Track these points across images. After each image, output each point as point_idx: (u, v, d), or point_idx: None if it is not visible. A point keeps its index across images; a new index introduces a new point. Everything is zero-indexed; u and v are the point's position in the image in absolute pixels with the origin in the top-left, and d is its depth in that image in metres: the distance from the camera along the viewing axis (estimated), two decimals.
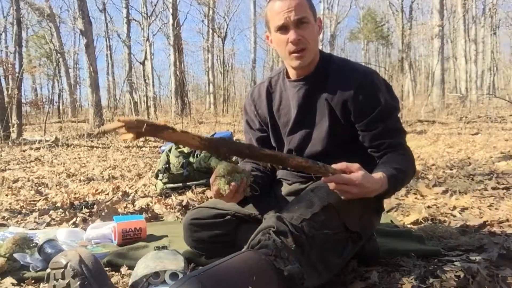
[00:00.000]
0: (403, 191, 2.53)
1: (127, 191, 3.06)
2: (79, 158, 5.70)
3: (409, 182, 1.41)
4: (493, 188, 2.47)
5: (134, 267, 1.34)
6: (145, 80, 17.43)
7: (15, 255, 1.53)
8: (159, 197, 2.81)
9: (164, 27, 18.85)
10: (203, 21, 21.41)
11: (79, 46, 20.40)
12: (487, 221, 1.85)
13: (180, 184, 2.98)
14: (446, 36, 18.09)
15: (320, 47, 1.36)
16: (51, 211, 2.51)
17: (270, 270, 0.96)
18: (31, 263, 1.51)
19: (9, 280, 1.43)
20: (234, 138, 4.48)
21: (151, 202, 2.64)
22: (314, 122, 1.33)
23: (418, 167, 3.38)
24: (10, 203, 2.84)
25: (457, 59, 17.54)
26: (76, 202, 2.75)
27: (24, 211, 2.60)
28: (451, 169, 3.27)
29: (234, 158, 3.08)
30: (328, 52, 1.54)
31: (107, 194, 3.05)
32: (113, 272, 1.49)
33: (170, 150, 3.08)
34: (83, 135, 8.59)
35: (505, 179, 2.67)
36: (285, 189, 1.45)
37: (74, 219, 2.30)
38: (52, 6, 16.95)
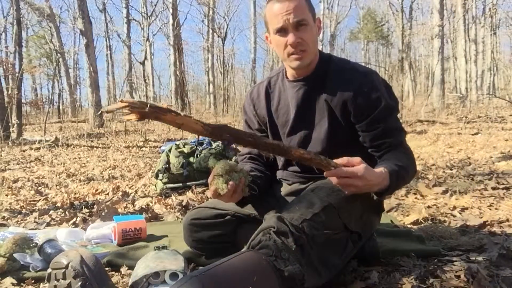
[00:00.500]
0: (403, 191, 2.53)
1: (127, 191, 3.06)
2: (79, 158, 5.70)
3: (410, 181, 1.41)
4: (493, 188, 2.47)
5: (134, 267, 1.34)
6: (145, 80, 17.44)
7: (15, 255, 1.53)
8: (159, 197, 2.81)
9: (164, 27, 18.86)
10: (203, 21, 21.44)
11: (79, 46, 20.40)
12: (487, 221, 1.85)
13: (180, 184, 2.98)
14: (446, 36, 18.08)
15: (320, 47, 1.36)
16: (51, 211, 2.52)
17: (271, 270, 0.96)
18: (31, 263, 1.51)
19: (9, 280, 1.43)
20: None
21: (151, 202, 2.64)
22: (313, 123, 1.33)
23: (418, 167, 3.37)
24: (10, 203, 2.84)
25: (457, 59, 17.53)
26: (76, 202, 2.75)
27: (24, 211, 2.60)
28: (451, 169, 3.27)
29: (233, 159, 3.09)
30: (328, 52, 1.54)
31: (107, 194, 3.04)
32: (113, 272, 1.49)
33: (170, 150, 3.08)
34: (83, 135, 8.60)
35: (505, 179, 2.67)
36: (285, 189, 1.45)
37: (74, 219, 2.30)
38: (52, 6, 16.96)
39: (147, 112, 0.82)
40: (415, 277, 1.28)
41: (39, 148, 6.75)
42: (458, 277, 1.27)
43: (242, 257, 0.99)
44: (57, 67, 17.87)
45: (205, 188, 2.94)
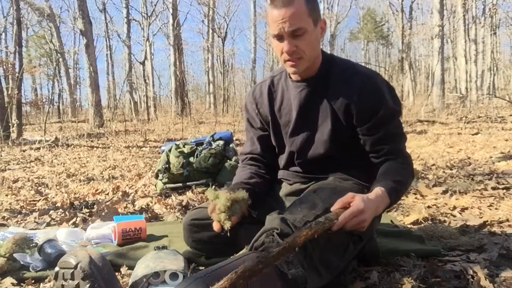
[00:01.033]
0: None
1: (127, 191, 3.06)
2: (79, 158, 5.70)
3: (407, 190, 1.43)
4: (493, 188, 2.47)
5: (134, 267, 1.34)
6: (145, 80, 17.44)
7: (15, 255, 1.53)
8: (159, 197, 2.81)
9: (164, 27, 18.87)
10: (203, 21, 21.43)
11: (79, 46, 20.42)
12: (487, 221, 1.85)
13: (180, 184, 2.98)
14: (446, 36, 18.08)
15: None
16: (51, 211, 2.51)
17: (274, 273, 0.96)
18: (31, 263, 1.51)
19: (9, 280, 1.43)
20: (234, 138, 4.48)
21: (151, 202, 2.64)
22: (316, 124, 1.32)
23: (418, 167, 3.38)
24: (10, 203, 2.83)
25: (457, 59, 17.53)
26: (76, 202, 2.75)
27: (24, 211, 2.60)
28: (451, 169, 3.27)
29: (233, 159, 3.07)
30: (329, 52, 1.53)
31: (107, 194, 3.04)
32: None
33: (170, 150, 3.08)
34: (83, 135, 8.60)
35: (505, 179, 2.67)
36: (285, 189, 1.45)
37: (74, 219, 2.30)
38: (52, 6, 16.96)
39: None
40: (415, 277, 1.28)
41: (39, 148, 6.75)
42: (458, 277, 1.27)
43: (245, 259, 0.99)
44: (57, 67, 17.88)
45: (205, 188, 2.94)
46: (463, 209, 2.10)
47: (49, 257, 1.51)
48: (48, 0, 15.67)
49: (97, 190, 3.17)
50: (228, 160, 3.06)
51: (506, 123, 7.06)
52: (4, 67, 10.98)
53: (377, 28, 26.76)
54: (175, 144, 3.14)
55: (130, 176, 3.79)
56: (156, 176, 3.04)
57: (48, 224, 2.27)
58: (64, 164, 5.09)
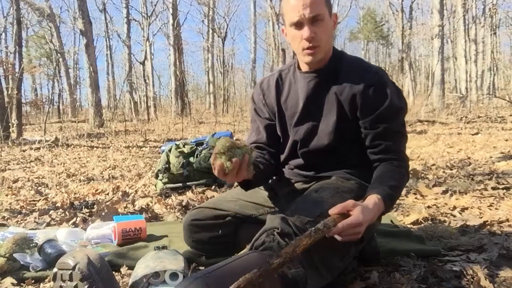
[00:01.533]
0: (403, 191, 2.53)
1: (127, 191, 3.06)
2: (79, 158, 5.70)
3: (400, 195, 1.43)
4: (493, 188, 2.47)
5: (134, 267, 1.34)
6: (145, 80, 17.44)
7: (15, 255, 1.53)
8: (159, 197, 2.81)
9: (164, 27, 18.87)
10: (203, 21, 21.45)
11: (79, 46, 20.43)
12: (487, 221, 1.85)
13: (180, 184, 2.98)
14: (446, 36, 18.08)
15: None
16: (51, 211, 2.51)
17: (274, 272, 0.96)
18: (31, 263, 1.51)
19: (9, 280, 1.43)
20: (234, 138, 4.48)
21: (151, 202, 2.64)
22: (321, 115, 1.33)
23: (418, 167, 3.38)
24: (10, 203, 2.84)
25: (457, 59, 17.52)
26: (76, 202, 2.75)
27: (24, 211, 2.60)
28: (451, 169, 3.27)
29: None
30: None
31: (107, 194, 3.04)
32: (113, 272, 1.49)
33: (170, 150, 3.08)
34: (83, 135, 8.60)
35: (505, 179, 2.67)
36: (287, 188, 1.45)
37: (74, 219, 2.30)
38: (52, 6, 16.95)
39: None
40: (415, 277, 1.28)
41: (39, 148, 6.75)
42: (458, 277, 1.27)
43: (246, 258, 0.98)
44: (57, 67, 17.88)
45: (205, 188, 2.94)
46: (463, 209, 2.10)
47: (49, 257, 1.51)
48: (48, 0, 15.67)
49: (97, 190, 3.18)
50: None
51: (506, 123, 7.06)
52: (4, 67, 10.98)
53: (377, 28, 26.77)
54: (175, 144, 3.14)
55: (130, 176, 3.79)
56: (156, 176, 3.04)
57: (48, 224, 2.27)
58: (64, 164, 5.09)
